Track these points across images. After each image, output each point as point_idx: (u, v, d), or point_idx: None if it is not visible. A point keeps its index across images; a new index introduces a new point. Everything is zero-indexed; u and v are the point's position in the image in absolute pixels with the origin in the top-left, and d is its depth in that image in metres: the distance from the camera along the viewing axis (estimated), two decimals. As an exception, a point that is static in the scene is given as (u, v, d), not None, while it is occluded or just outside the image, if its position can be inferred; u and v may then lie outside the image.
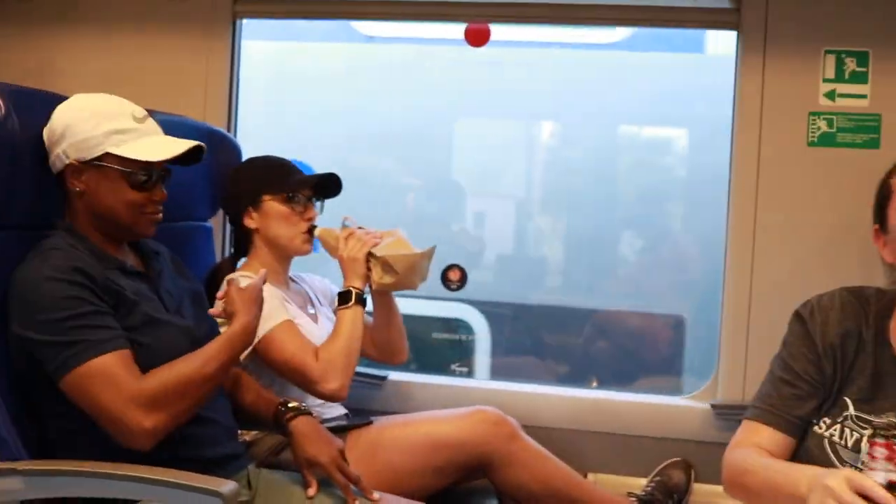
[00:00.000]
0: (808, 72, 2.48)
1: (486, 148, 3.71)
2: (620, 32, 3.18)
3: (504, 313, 3.64)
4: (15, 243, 1.75)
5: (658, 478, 2.48)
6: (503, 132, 3.80)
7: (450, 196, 3.69)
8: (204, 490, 1.56)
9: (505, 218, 3.81)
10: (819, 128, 2.48)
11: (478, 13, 2.77)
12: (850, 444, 1.71)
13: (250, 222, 2.35)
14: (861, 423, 1.71)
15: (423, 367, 3.29)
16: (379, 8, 2.80)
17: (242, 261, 2.41)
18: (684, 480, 2.48)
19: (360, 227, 2.34)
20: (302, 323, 2.27)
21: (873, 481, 1.41)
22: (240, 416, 2.00)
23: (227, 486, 1.58)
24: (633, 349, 3.50)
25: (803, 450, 1.76)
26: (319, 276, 2.58)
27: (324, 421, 2.20)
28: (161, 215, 1.84)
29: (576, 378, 3.58)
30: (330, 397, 2.15)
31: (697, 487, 2.50)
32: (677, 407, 2.61)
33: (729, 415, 2.49)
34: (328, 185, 2.39)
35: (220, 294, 1.88)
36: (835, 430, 1.73)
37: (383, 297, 2.39)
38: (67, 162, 1.75)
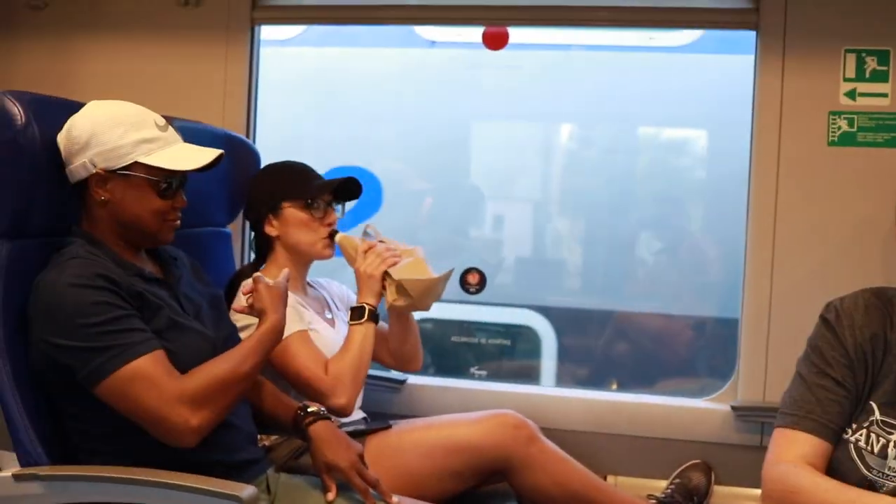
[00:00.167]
0: (828, 71, 2.47)
1: (504, 150, 3.70)
2: (688, 35, 3.15)
3: (571, 318, 3.62)
4: (35, 251, 1.77)
5: (678, 480, 2.47)
6: (525, 134, 3.79)
7: (468, 199, 3.68)
8: (223, 495, 1.58)
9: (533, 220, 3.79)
10: (840, 127, 2.46)
11: (496, 16, 2.77)
12: (876, 449, 1.69)
13: (271, 230, 2.36)
14: (887, 428, 1.68)
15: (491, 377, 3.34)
16: (396, 12, 2.79)
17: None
18: (704, 482, 2.47)
19: (381, 241, 2.34)
20: (319, 328, 2.28)
21: None
22: (259, 420, 2.01)
23: (246, 490, 1.59)
24: (711, 354, 3.46)
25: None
26: (337, 281, 2.58)
27: (342, 425, 2.21)
28: (179, 222, 1.86)
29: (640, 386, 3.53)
30: (337, 412, 2.15)
31: (717, 489, 2.49)
32: (697, 409, 2.59)
33: (749, 416, 2.48)
34: (348, 189, 2.40)
35: (245, 289, 1.88)
36: (861, 434, 1.71)
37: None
38: (94, 171, 1.76)
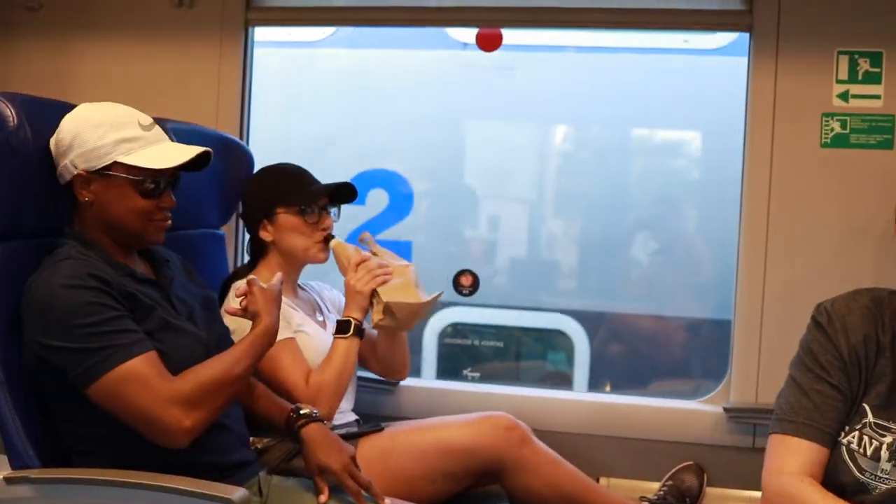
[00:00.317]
0: (820, 73, 2.47)
1: (498, 151, 3.70)
2: (723, 38, 3.15)
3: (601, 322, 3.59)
4: (27, 252, 1.77)
5: (670, 482, 2.47)
6: (519, 136, 3.79)
7: (462, 200, 3.68)
8: (214, 497, 1.58)
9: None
10: (832, 129, 2.47)
11: (490, 18, 2.78)
12: (869, 452, 1.68)
13: (266, 235, 2.36)
14: (880, 431, 1.68)
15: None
16: (389, 14, 2.79)
17: (255, 269, 2.42)
18: (697, 484, 2.47)
19: (374, 252, 2.35)
20: (309, 330, 2.28)
21: None
22: (251, 422, 2.01)
23: (237, 493, 1.59)
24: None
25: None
26: (329, 284, 2.59)
27: (335, 427, 2.21)
28: (170, 222, 1.85)
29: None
30: None
31: (710, 491, 2.50)
32: (690, 411, 2.59)
33: (741, 418, 2.49)
34: (344, 192, 2.40)
35: (238, 291, 1.88)
36: (853, 437, 1.70)
37: None
38: (76, 172, 1.76)
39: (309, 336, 2.27)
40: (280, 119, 3.56)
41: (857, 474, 1.68)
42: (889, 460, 1.66)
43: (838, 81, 2.47)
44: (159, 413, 1.64)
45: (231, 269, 2.62)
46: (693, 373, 3.42)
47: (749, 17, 2.52)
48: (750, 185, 2.52)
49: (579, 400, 2.72)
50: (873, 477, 1.67)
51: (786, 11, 2.48)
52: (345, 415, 2.35)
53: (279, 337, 2.09)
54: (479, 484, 2.27)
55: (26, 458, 1.66)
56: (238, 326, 1.97)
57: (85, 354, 1.63)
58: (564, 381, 3.49)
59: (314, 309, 2.43)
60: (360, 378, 2.51)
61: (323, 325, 2.39)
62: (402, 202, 3.32)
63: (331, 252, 2.36)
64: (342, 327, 2.25)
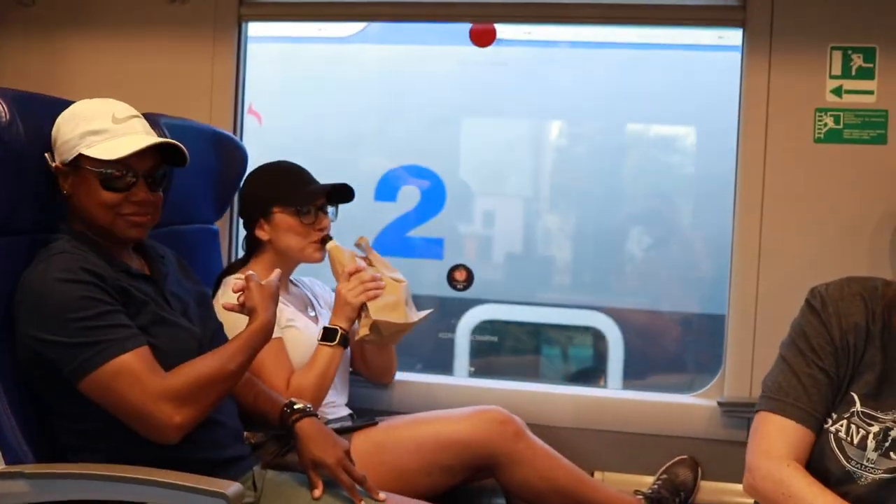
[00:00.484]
0: (814, 68, 2.48)
1: (492, 147, 3.70)
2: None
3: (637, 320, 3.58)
4: (21, 248, 1.77)
5: (665, 476, 2.48)
6: (513, 131, 3.79)
7: (457, 195, 3.68)
8: (208, 492, 1.58)
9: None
10: (826, 124, 2.47)
11: (484, 13, 2.78)
12: (856, 441, 1.69)
13: (262, 234, 2.35)
14: (867, 420, 1.69)
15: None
16: (384, 9, 2.79)
17: (248, 264, 2.42)
18: (691, 478, 2.48)
19: (369, 260, 2.36)
20: (299, 325, 2.29)
21: None
22: (245, 417, 2.01)
23: (231, 487, 1.59)
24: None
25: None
26: (321, 281, 2.59)
27: (329, 422, 2.22)
28: (149, 217, 1.81)
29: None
30: None
31: (704, 485, 2.51)
32: (684, 405, 2.60)
33: (736, 412, 2.49)
34: (341, 191, 2.39)
35: (236, 287, 1.87)
36: (841, 425, 1.71)
37: None
38: (53, 165, 1.77)
39: (299, 330, 2.27)
40: (310, 115, 3.56)
41: (844, 462, 1.69)
42: (875, 450, 1.67)
43: (832, 77, 2.47)
44: (150, 408, 1.64)
45: (225, 264, 2.61)
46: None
47: (743, 12, 2.52)
48: (743, 180, 2.52)
49: (573, 394, 2.71)
50: (859, 465, 1.68)
51: (779, 7, 2.48)
52: (339, 409, 2.36)
53: None
54: (473, 478, 2.28)
55: (20, 453, 1.66)
56: (229, 322, 1.97)
57: (78, 348, 1.63)
58: (597, 379, 3.50)
59: (306, 305, 2.43)
60: (353, 373, 2.52)
61: (315, 320, 2.39)
62: (434, 199, 3.32)
63: (323, 254, 2.36)
64: (328, 335, 2.25)
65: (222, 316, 2.01)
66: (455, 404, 2.38)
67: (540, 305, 3.57)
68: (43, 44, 2.82)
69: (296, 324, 2.27)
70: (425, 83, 3.53)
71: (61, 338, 1.63)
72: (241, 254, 2.49)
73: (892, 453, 1.64)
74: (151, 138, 1.78)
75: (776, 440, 1.70)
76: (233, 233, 2.78)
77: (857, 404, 1.71)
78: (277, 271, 1.94)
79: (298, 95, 3.59)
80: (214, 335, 1.92)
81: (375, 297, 2.27)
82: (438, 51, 3.50)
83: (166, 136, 1.91)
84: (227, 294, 2.25)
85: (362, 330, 2.28)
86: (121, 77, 2.73)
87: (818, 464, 1.70)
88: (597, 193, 3.65)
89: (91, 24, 2.81)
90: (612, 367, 3.45)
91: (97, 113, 1.77)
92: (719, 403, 2.52)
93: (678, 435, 2.55)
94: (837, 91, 2.47)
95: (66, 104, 1.81)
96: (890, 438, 1.66)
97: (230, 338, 1.96)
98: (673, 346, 3.52)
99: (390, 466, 2.15)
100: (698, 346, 3.46)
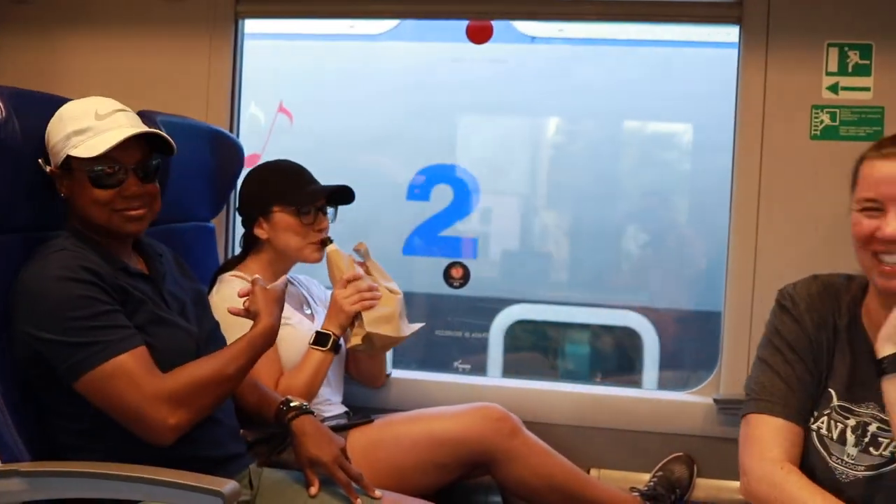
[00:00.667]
0: (810, 65, 2.47)
1: (490, 144, 3.70)
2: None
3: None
4: (18, 246, 1.77)
5: (661, 473, 2.48)
6: (510, 129, 3.78)
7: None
8: (205, 490, 1.57)
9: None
10: (822, 121, 2.47)
11: (480, 10, 2.78)
12: (835, 435, 1.70)
13: (261, 232, 2.35)
14: (844, 414, 1.70)
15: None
16: (381, 6, 2.79)
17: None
18: (687, 475, 2.48)
19: (366, 267, 2.36)
20: (294, 322, 2.29)
21: None
22: (242, 415, 2.01)
23: (228, 485, 1.59)
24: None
25: None
26: (317, 280, 2.59)
27: (325, 419, 2.22)
28: (144, 211, 1.80)
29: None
30: None
31: (700, 482, 2.51)
32: (680, 402, 2.60)
33: (731, 409, 2.48)
34: (341, 193, 2.39)
35: (242, 291, 1.87)
36: (822, 422, 1.72)
37: None
38: (48, 170, 1.77)
39: (294, 328, 2.27)
40: (342, 112, 3.55)
41: (828, 459, 1.70)
42: (855, 445, 1.68)
43: (828, 74, 2.47)
44: (146, 410, 1.64)
45: (221, 262, 2.61)
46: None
47: (739, 9, 2.52)
48: (740, 177, 2.52)
49: (569, 391, 2.72)
50: (841, 462, 1.68)
51: (775, 4, 2.48)
52: (335, 407, 2.36)
53: None
54: (470, 475, 2.29)
55: (16, 451, 1.66)
56: (225, 321, 1.97)
57: (74, 348, 1.63)
58: (632, 378, 3.50)
59: (301, 303, 2.43)
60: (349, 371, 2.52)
61: (311, 318, 2.39)
62: (467, 198, 3.32)
63: (321, 254, 2.36)
64: (321, 339, 2.25)
65: (219, 315, 2.01)
66: (451, 401, 2.38)
67: (573, 305, 3.56)
68: (39, 41, 2.82)
69: (291, 321, 2.27)
70: (457, 81, 3.53)
71: (58, 336, 1.63)
72: (237, 251, 2.49)
73: (871, 449, 1.65)
74: (133, 129, 1.76)
75: (768, 441, 1.71)
76: (229, 231, 2.78)
77: (834, 399, 1.72)
78: (284, 278, 1.95)
79: (330, 92, 3.58)
80: (211, 334, 1.93)
81: (371, 307, 2.27)
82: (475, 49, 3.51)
83: (160, 131, 1.89)
84: (221, 291, 2.26)
85: (354, 339, 2.29)
86: (117, 74, 2.72)
87: (804, 462, 1.71)
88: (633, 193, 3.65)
89: (88, 21, 2.80)
90: (647, 366, 3.45)
91: (81, 112, 1.76)
92: (715, 401, 2.52)
93: (674, 432, 2.55)
94: (834, 88, 2.47)
95: (63, 102, 1.81)
96: (869, 433, 1.67)
97: (226, 336, 1.97)
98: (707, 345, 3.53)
99: (386, 464, 2.16)
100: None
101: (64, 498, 1.66)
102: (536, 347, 3.57)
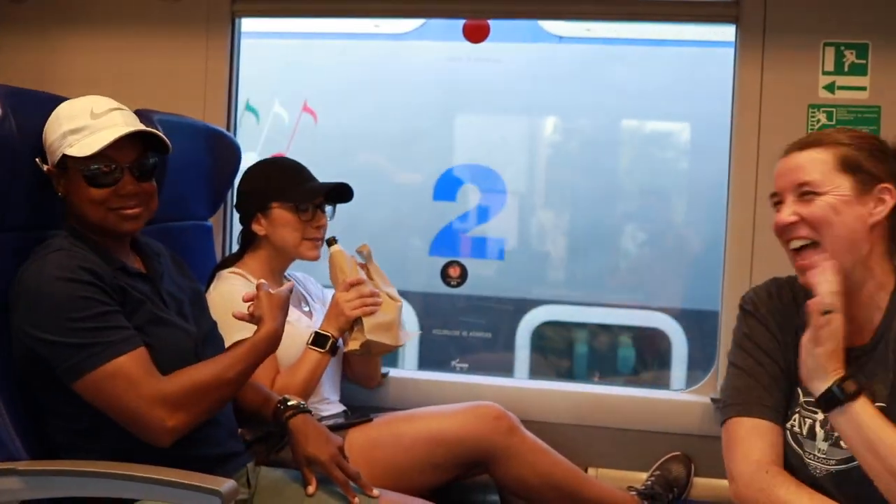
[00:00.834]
0: (807, 64, 2.48)
1: (486, 143, 3.69)
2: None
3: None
4: (14, 245, 1.76)
5: (658, 472, 2.49)
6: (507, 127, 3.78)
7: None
8: (202, 489, 1.57)
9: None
10: (818, 120, 2.47)
11: (477, 9, 2.77)
12: (805, 431, 1.71)
13: (259, 228, 2.34)
14: (811, 409, 1.70)
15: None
16: (378, 4, 2.79)
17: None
18: (684, 474, 2.48)
19: (369, 270, 2.36)
20: (292, 320, 2.27)
21: None
22: (240, 414, 2.01)
23: (225, 484, 1.59)
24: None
25: None
26: (314, 278, 2.59)
27: (323, 418, 2.22)
28: (140, 209, 1.79)
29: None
30: None
31: (697, 481, 2.51)
32: (677, 401, 2.61)
33: (729, 408, 2.49)
34: (339, 191, 2.39)
35: (246, 296, 1.86)
36: (794, 420, 1.73)
37: None
38: (45, 169, 1.77)
39: (292, 325, 2.26)
40: (366, 113, 3.55)
41: (803, 456, 1.70)
42: (825, 439, 1.68)
43: (824, 73, 2.48)
44: (144, 412, 1.64)
45: (218, 261, 2.60)
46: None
47: (736, 8, 2.53)
48: (736, 176, 2.52)
49: (567, 390, 2.72)
50: (813, 457, 1.69)
51: (772, 3, 2.48)
52: (333, 406, 2.36)
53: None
54: (468, 474, 2.28)
55: (13, 450, 1.66)
56: (223, 320, 1.97)
57: (74, 349, 1.63)
58: (660, 379, 3.49)
59: (300, 300, 2.43)
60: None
61: (309, 315, 2.39)
62: (494, 199, 3.31)
63: (322, 251, 2.36)
64: (320, 341, 2.25)
65: (217, 311, 2.01)
66: (449, 400, 2.39)
67: (601, 306, 3.56)
68: (37, 40, 2.81)
69: (289, 319, 2.25)
70: (480, 80, 3.52)
71: (57, 337, 1.63)
72: (234, 250, 2.49)
73: (841, 442, 1.64)
74: (128, 128, 1.75)
75: (750, 443, 1.71)
76: (226, 229, 2.78)
77: (801, 395, 1.73)
78: (290, 284, 1.95)
79: (355, 93, 3.58)
80: (209, 334, 1.93)
81: (372, 313, 2.28)
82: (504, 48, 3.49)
83: (156, 130, 1.89)
84: (219, 287, 2.26)
85: (353, 344, 2.29)
86: (114, 73, 2.73)
87: (784, 461, 1.71)
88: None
89: (84, 20, 2.80)
90: (675, 366, 3.44)
91: (77, 111, 1.76)
92: (712, 400, 2.52)
93: (671, 431, 2.55)
94: (830, 87, 2.47)
95: (60, 100, 1.80)
96: None
97: (224, 336, 1.97)
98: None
99: (384, 462, 2.16)
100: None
101: (61, 497, 1.66)
102: (562, 348, 3.56)
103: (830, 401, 1.56)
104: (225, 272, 2.30)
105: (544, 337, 3.53)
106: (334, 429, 2.08)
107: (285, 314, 1.85)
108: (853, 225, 1.66)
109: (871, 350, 1.68)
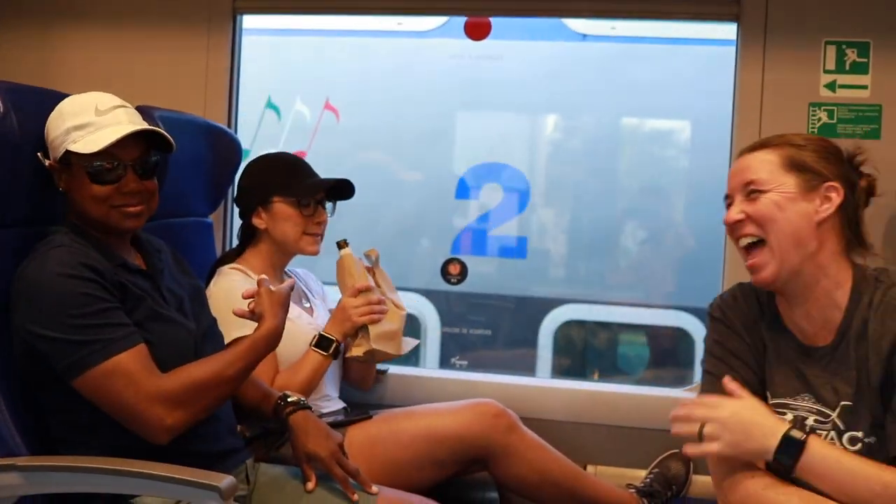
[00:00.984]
0: (808, 63, 2.48)
1: (488, 140, 3.69)
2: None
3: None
4: (15, 241, 1.76)
5: (657, 469, 2.48)
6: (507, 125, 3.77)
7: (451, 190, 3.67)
8: (202, 485, 1.57)
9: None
10: (819, 119, 2.47)
11: (479, 7, 2.78)
12: None
13: (259, 222, 2.35)
14: (780, 410, 1.71)
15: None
16: (377, 2, 2.79)
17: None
18: (683, 472, 2.48)
19: (375, 275, 2.37)
20: (292, 316, 2.27)
21: None
22: (239, 410, 2.01)
23: (224, 480, 1.58)
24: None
25: None
26: (314, 275, 2.59)
27: (323, 415, 2.22)
28: (141, 207, 1.80)
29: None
30: None
31: (696, 479, 2.50)
32: (676, 399, 2.57)
33: (728, 407, 2.49)
34: (340, 187, 2.39)
35: (246, 293, 1.86)
36: None
37: None
38: (47, 164, 1.77)
39: (293, 321, 2.26)
40: (388, 111, 3.55)
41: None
42: None
43: (825, 71, 2.48)
44: (142, 409, 1.64)
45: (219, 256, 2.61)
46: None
47: (737, 6, 2.53)
48: (737, 174, 2.52)
49: (566, 388, 2.72)
50: None
51: (773, 2, 2.48)
52: (332, 402, 2.36)
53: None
54: (467, 471, 2.29)
55: (13, 445, 1.66)
56: (223, 317, 1.97)
57: (74, 346, 1.63)
58: (683, 379, 3.48)
59: (300, 296, 2.43)
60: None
61: (310, 311, 2.39)
62: (517, 197, 3.31)
63: (319, 247, 2.36)
64: (324, 343, 2.26)
65: (217, 306, 2.01)
66: (449, 397, 2.39)
67: (622, 305, 3.56)
68: (38, 37, 2.81)
69: (290, 315, 2.26)
70: (501, 79, 3.51)
71: (57, 334, 1.63)
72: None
73: None
74: (133, 126, 1.75)
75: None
76: (227, 226, 2.78)
77: (769, 399, 1.74)
78: (291, 281, 1.94)
79: (377, 91, 3.58)
80: (209, 330, 1.93)
81: (378, 321, 2.29)
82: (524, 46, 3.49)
83: (157, 127, 1.89)
84: (220, 283, 2.26)
85: (356, 350, 2.30)
86: (115, 69, 2.73)
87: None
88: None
89: (85, 16, 2.80)
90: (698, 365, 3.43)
91: (81, 107, 1.76)
92: (712, 397, 2.52)
93: (671, 429, 2.55)
94: (831, 86, 2.47)
95: (61, 97, 1.80)
96: (807, 427, 1.67)
97: (224, 332, 1.97)
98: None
99: (384, 459, 2.16)
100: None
101: (61, 492, 1.66)
102: (586, 347, 3.56)
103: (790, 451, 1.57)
104: (225, 268, 2.30)
105: (567, 336, 3.53)
106: (334, 426, 2.09)
107: (286, 311, 1.85)
108: (798, 222, 1.68)
109: (833, 350, 1.69)
